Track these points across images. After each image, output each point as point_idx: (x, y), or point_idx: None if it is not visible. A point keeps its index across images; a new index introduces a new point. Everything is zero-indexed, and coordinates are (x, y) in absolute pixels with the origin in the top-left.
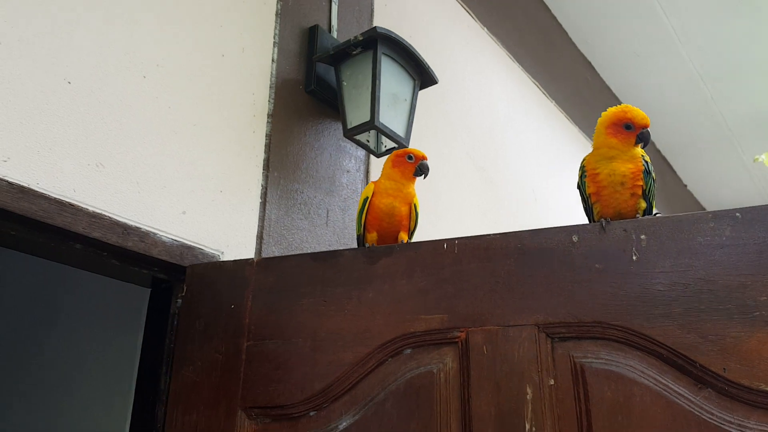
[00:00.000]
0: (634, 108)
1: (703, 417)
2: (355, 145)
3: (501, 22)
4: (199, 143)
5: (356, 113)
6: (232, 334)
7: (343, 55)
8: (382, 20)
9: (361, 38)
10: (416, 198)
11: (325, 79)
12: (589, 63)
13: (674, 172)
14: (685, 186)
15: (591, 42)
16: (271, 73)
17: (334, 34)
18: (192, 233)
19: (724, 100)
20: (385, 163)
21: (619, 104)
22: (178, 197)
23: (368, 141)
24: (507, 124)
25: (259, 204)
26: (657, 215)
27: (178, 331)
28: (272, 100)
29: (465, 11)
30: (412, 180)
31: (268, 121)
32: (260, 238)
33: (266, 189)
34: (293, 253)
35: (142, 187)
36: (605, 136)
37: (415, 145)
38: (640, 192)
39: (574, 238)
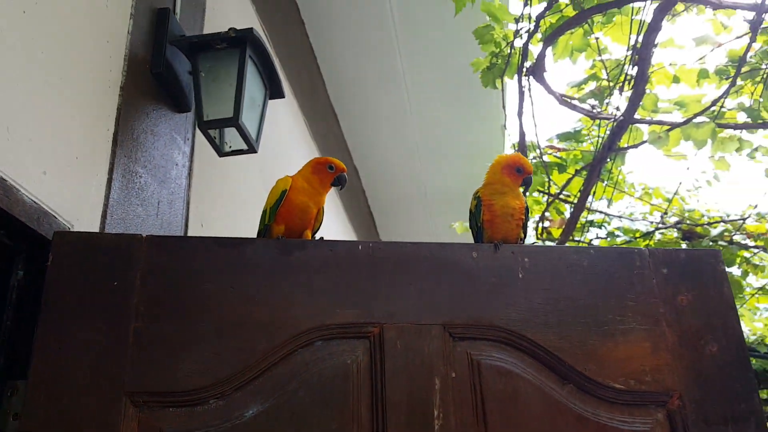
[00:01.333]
0: (523, 157)
1: (569, 406)
2: (183, 140)
3: (289, 58)
4: (62, 102)
5: (215, 107)
6: (115, 313)
7: (204, 45)
8: (211, 21)
9: (233, 34)
10: (324, 203)
11: (172, 65)
12: (335, 115)
13: (375, 226)
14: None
15: (339, 96)
16: (127, 44)
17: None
18: (49, 198)
19: (429, 173)
20: (304, 167)
21: (349, 155)
22: (41, 154)
23: (215, 138)
24: (287, 149)
25: (106, 180)
26: (535, 244)
27: (48, 305)
28: (125, 73)
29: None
30: (327, 188)
31: (120, 94)
32: (104, 216)
33: (113, 166)
34: None
35: (12, 135)
36: (500, 174)
37: (221, 162)
38: (521, 224)
39: (474, 255)
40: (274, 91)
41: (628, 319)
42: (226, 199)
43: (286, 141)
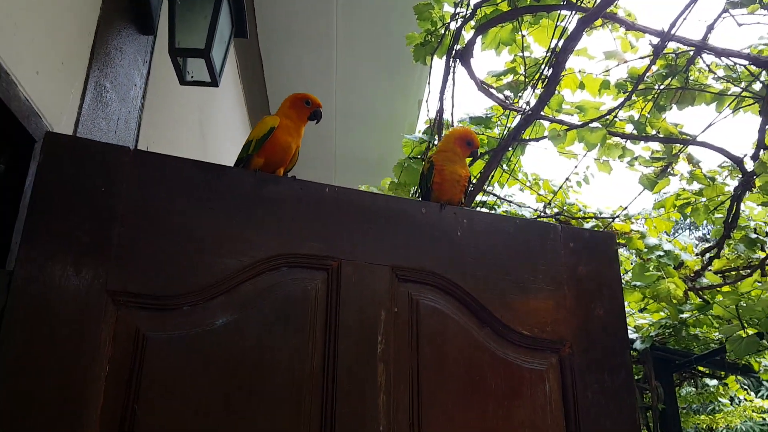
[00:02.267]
0: (474, 133)
1: (485, 344)
2: (143, 62)
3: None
4: (57, 6)
5: (187, 37)
6: (102, 216)
7: None
8: None
9: None
10: (301, 140)
11: None
12: (262, 62)
13: None
14: None
15: (270, 44)
16: None
17: None
18: (39, 99)
19: (342, 135)
20: (282, 104)
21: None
22: (38, 55)
23: (180, 66)
24: (219, 91)
25: (81, 90)
26: (472, 208)
27: (37, 201)
28: None
29: None
30: (304, 122)
31: (101, 6)
32: (76, 125)
33: (88, 77)
34: None
35: (18, 31)
36: (453, 144)
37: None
38: (464, 190)
39: (423, 210)
40: (239, 29)
41: (539, 280)
42: (170, 128)
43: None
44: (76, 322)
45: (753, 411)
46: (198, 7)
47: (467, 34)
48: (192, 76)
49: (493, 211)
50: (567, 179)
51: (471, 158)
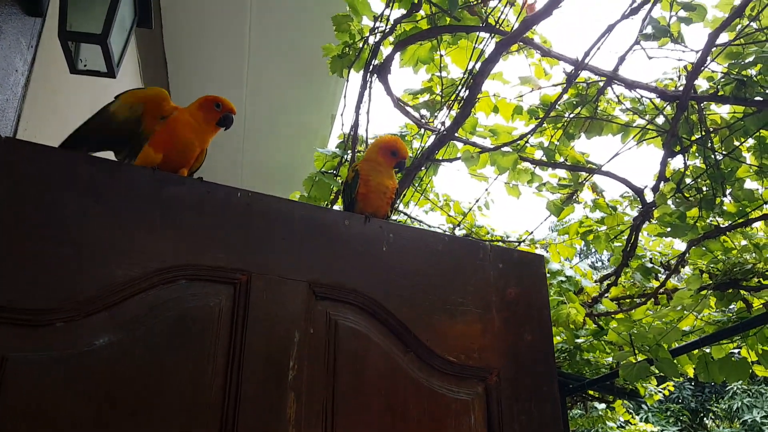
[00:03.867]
0: (402, 142)
1: (408, 371)
2: (27, 47)
3: None
4: None
5: (81, 19)
6: None
7: None
8: None
9: None
10: (208, 144)
11: None
12: (166, 61)
13: None
14: None
15: (175, 42)
16: None
17: None
18: None
19: (250, 144)
20: (193, 103)
21: None
22: None
23: (72, 52)
24: (119, 87)
25: None
26: (399, 222)
27: None
28: None
29: None
30: (213, 128)
31: None
32: None
33: None
34: None
35: None
36: (376, 154)
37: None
38: (390, 202)
39: (346, 222)
40: (143, 18)
41: (467, 302)
42: (57, 120)
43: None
44: None
45: None
46: None
47: (386, 50)
48: (85, 65)
49: None
50: (477, 201)
51: (397, 170)
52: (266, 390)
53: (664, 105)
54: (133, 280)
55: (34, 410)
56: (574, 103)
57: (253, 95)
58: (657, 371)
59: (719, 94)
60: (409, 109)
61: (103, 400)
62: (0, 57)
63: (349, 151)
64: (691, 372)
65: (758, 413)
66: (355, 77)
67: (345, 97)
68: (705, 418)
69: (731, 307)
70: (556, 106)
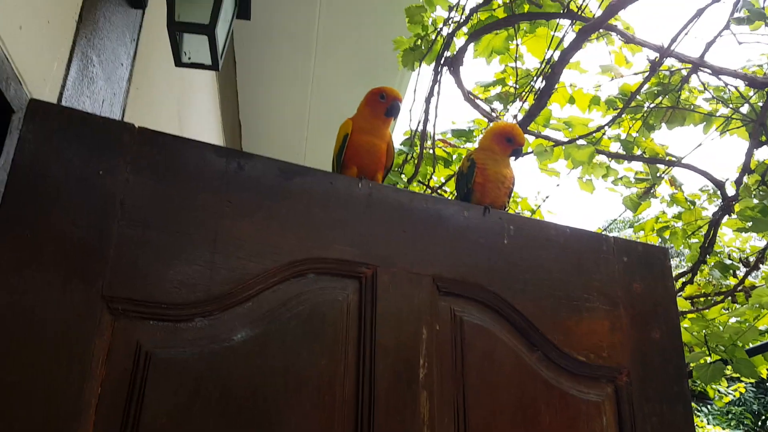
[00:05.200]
0: (518, 128)
1: (537, 371)
2: (131, 40)
3: None
4: None
5: (188, 10)
6: (99, 206)
7: None
8: None
9: None
10: (389, 136)
11: None
12: (234, 58)
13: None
14: None
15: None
16: None
17: None
18: (20, 60)
19: (312, 142)
20: (360, 104)
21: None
22: (20, 5)
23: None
24: (193, 87)
25: (67, 58)
26: (518, 213)
27: (17, 183)
28: None
29: None
30: (384, 120)
31: None
32: (59, 101)
33: (75, 44)
34: None
35: None
36: (491, 142)
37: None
38: (509, 192)
39: (465, 213)
40: (242, 9)
41: (593, 298)
42: (153, 113)
43: (193, 75)
44: (62, 335)
45: None
46: None
47: (458, 41)
48: (189, 58)
49: None
50: (546, 198)
51: (513, 158)
52: (399, 388)
53: (750, 93)
54: (266, 273)
55: (180, 407)
56: (656, 92)
57: (317, 94)
58: (732, 372)
59: None
60: (479, 102)
61: (244, 396)
62: (109, 49)
63: (416, 148)
64: (765, 373)
65: None
66: (425, 71)
67: (415, 92)
68: None
69: None
70: (637, 96)
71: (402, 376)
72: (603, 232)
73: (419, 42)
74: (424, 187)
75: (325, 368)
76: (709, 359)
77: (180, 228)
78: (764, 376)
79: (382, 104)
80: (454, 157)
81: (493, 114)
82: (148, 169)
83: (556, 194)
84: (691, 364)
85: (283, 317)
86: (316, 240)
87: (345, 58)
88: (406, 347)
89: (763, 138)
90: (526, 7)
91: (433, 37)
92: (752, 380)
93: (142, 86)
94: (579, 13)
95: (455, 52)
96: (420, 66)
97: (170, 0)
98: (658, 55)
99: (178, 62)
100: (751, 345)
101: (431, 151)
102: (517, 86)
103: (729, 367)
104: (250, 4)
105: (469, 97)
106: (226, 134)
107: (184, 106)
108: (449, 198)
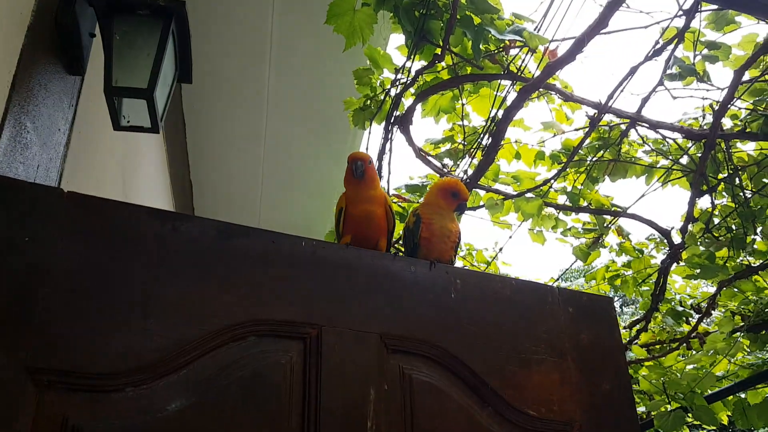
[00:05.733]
0: (462, 184)
1: (489, 429)
2: (69, 105)
3: None
4: None
5: (126, 75)
6: (23, 273)
7: (124, 7)
8: None
9: (162, 2)
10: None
11: (78, 21)
12: (184, 117)
13: None
14: None
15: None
16: None
17: None
18: None
19: (268, 202)
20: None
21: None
22: None
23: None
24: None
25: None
26: (465, 268)
27: None
28: (34, 14)
29: None
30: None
31: (26, 35)
32: None
33: (7, 111)
34: None
35: None
36: (437, 197)
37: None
38: (455, 246)
39: (412, 269)
40: (183, 73)
41: (541, 350)
42: (94, 178)
43: (138, 139)
44: None
45: None
46: (140, 44)
47: (407, 101)
48: (128, 121)
49: None
50: (500, 249)
51: (457, 212)
52: None
53: (688, 145)
54: (203, 337)
55: None
56: (597, 146)
57: (270, 152)
58: (692, 420)
59: (746, 131)
60: (430, 158)
61: None
62: (45, 115)
63: None
64: (725, 419)
65: None
66: (376, 129)
67: (367, 149)
68: None
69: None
70: (579, 150)
71: None
72: (554, 282)
73: (368, 102)
74: None
75: None
76: (669, 407)
77: (110, 294)
78: (725, 423)
79: (350, 169)
80: (409, 211)
81: (445, 170)
82: (79, 234)
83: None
84: (653, 413)
85: (221, 384)
86: (257, 301)
87: (297, 117)
88: (353, 408)
89: (704, 187)
90: (469, 69)
91: (382, 97)
92: (713, 427)
93: (82, 151)
94: (519, 74)
95: (404, 112)
96: (371, 125)
97: (108, 65)
98: (596, 111)
99: (117, 126)
100: (709, 391)
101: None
102: (465, 143)
103: (689, 414)
104: (191, 68)
105: (421, 154)
106: (176, 197)
107: (129, 170)
108: (394, 254)
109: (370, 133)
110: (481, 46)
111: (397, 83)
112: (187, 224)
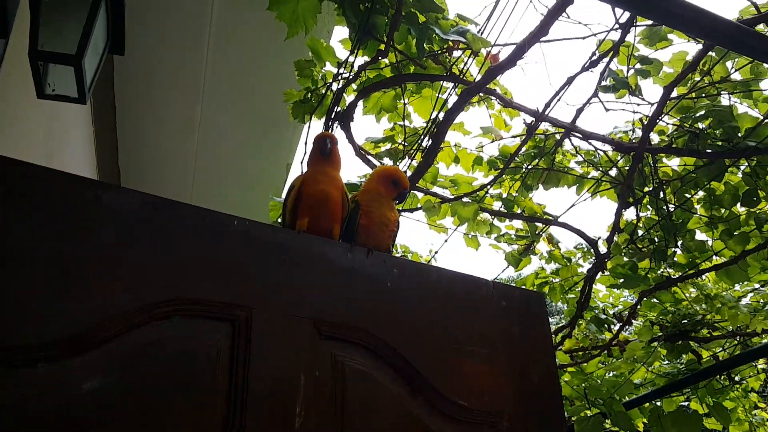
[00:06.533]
0: (402, 173)
1: (419, 417)
2: None
3: None
4: None
5: (53, 39)
6: None
7: None
8: None
9: None
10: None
11: None
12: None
13: None
14: None
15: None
16: None
17: None
18: None
19: (200, 194)
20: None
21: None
22: None
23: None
24: (66, 125)
25: None
26: (401, 257)
27: None
28: None
29: None
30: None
31: None
32: None
33: None
34: None
35: None
36: (377, 184)
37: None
38: (393, 235)
39: (349, 255)
40: (115, 44)
41: (474, 341)
42: (10, 152)
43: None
44: None
45: None
46: (70, 9)
47: (348, 97)
48: (54, 89)
49: None
50: (435, 252)
51: (397, 201)
52: None
53: (618, 157)
54: (124, 315)
55: None
56: (533, 154)
57: (204, 141)
58: (610, 426)
59: (672, 146)
60: (370, 157)
61: None
62: None
63: None
64: (641, 426)
65: None
66: (317, 125)
67: (306, 143)
68: None
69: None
70: (515, 158)
71: (276, 426)
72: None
73: (309, 95)
74: None
75: (189, 421)
76: (589, 413)
77: (25, 262)
78: (641, 429)
79: (317, 148)
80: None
81: None
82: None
83: (447, 250)
84: (573, 418)
85: (143, 364)
86: (183, 279)
87: (234, 105)
88: (281, 394)
89: (631, 199)
90: (412, 69)
91: (323, 91)
92: None
93: (2, 117)
94: (461, 76)
95: (345, 108)
96: (311, 119)
97: (34, 27)
98: (533, 119)
99: (41, 94)
100: (627, 398)
101: None
102: (406, 143)
103: (608, 420)
104: (123, 38)
105: (361, 153)
106: (102, 178)
107: (54, 145)
108: (332, 240)
109: (309, 127)
110: (425, 45)
111: (340, 78)
112: (110, 193)
